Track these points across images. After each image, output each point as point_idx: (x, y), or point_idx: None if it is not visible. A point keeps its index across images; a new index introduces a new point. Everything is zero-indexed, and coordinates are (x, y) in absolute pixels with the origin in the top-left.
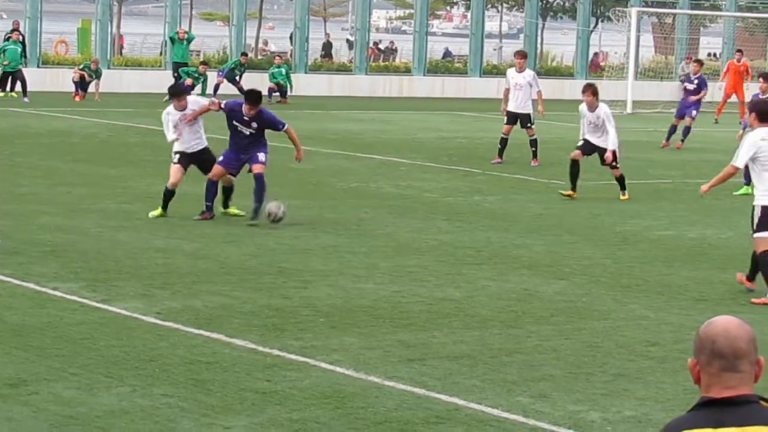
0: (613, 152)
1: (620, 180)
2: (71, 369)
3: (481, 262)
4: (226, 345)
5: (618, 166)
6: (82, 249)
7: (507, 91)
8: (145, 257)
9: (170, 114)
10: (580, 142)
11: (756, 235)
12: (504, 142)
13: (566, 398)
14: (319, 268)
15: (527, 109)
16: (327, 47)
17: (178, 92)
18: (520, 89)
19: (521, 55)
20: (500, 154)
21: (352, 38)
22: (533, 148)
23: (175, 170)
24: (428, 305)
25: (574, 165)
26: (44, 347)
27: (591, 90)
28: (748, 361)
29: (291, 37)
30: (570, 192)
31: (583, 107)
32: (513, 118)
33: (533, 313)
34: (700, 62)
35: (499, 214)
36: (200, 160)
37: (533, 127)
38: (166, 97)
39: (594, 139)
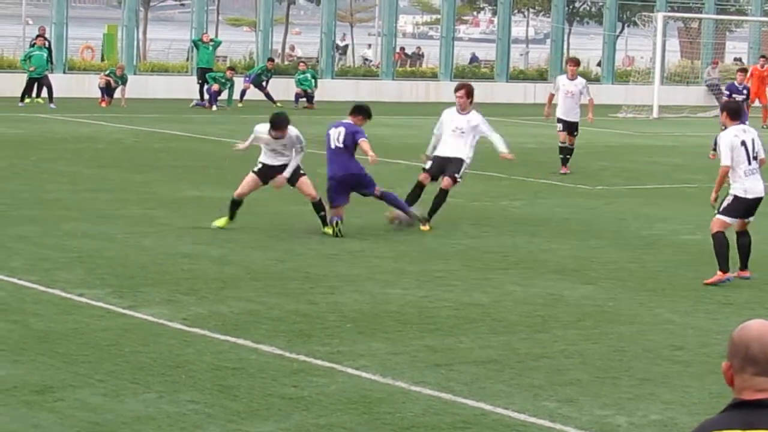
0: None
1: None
2: (97, 375)
3: (508, 266)
4: (252, 351)
5: (459, 180)
6: (108, 255)
7: (552, 96)
8: (171, 263)
9: (262, 135)
10: (428, 164)
11: (717, 216)
12: (564, 150)
13: (593, 402)
14: (345, 273)
15: (576, 117)
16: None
17: (278, 124)
18: (571, 97)
19: (574, 62)
20: (565, 163)
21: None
22: (568, 156)
23: (247, 180)
24: (455, 310)
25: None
26: (70, 354)
27: (466, 89)
28: None
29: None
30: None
31: (451, 112)
32: (566, 123)
33: (560, 318)
34: (744, 70)
35: (525, 218)
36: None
37: (577, 135)
38: (193, 103)
39: (449, 150)
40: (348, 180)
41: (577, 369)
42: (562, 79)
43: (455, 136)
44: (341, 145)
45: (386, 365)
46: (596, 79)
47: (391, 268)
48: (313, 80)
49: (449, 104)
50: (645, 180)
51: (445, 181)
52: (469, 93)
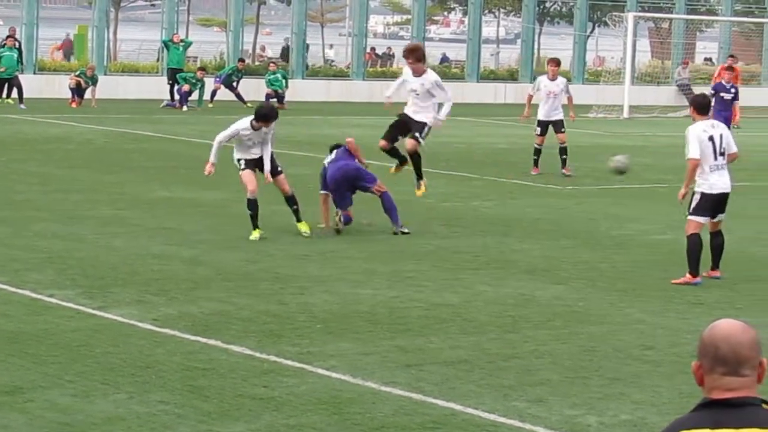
0: (423, 127)
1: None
2: (67, 376)
3: (479, 267)
4: (223, 351)
5: (420, 142)
6: (79, 256)
7: (531, 97)
8: (141, 264)
9: (245, 131)
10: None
11: (689, 217)
12: (539, 152)
13: (563, 402)
14: (316, 273)
15: (559, 115)
16: (285, 52)
17: (270, 116)
18: (554, 97)
19: (555, 62)
20: (537, 164)
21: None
22: (564, 156)
23: (248, 177)
24: (426, 310)
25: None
26: (40, 354)
27: (414, 55)
28: (751, 366)
29: (283, 50)
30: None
31: (407, 74)
32: (545, 126)
33: (530, 318)
34: (732, 68)
35: (496, 219)
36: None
37: (565, 131)
38: (163, 104)
39: (411, 111)
40: (344, 179)
41: (547, 369)
42: (543, 80)
43: (413, 98)
44: (334, 157)
45: (356, 365)
46: (567, 79)
47: (362, 268)
48: (283, 80)
49: None
50: (615, 180)
51: (408, 143)
52: (418, 58)
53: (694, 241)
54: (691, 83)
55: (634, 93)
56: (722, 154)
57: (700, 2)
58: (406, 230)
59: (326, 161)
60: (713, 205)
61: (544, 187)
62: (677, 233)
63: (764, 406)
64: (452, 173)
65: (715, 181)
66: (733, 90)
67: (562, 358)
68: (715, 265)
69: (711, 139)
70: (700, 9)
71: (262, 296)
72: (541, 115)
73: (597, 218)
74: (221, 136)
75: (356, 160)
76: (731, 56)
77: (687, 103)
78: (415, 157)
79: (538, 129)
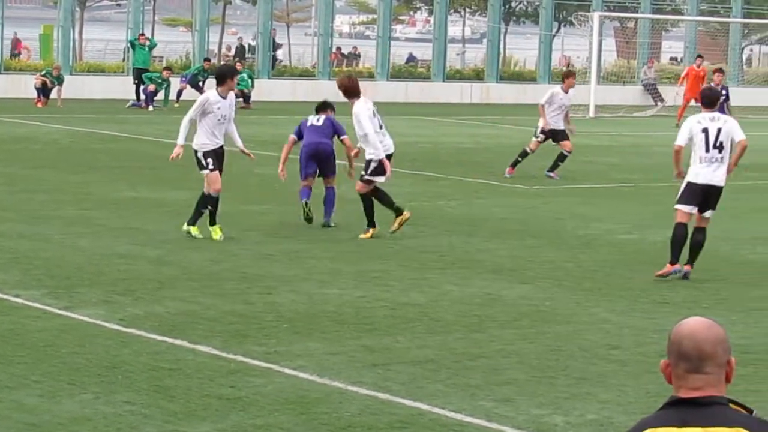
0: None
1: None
2: (33, 376)
3: (445, 266)
4: (189, 351)
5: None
6: (45, 256)
7: (543, 108)
8: (107, 264)
9: (214, 103)
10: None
11: (675, 206)
12: (525, 156)
13: (529, 402)
14: (282, 273)
15: (562, 124)
16: (241, 51)
17: (229, 74)
18: (564, 110)
19: (573, 75)
20: (515, 166)
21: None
22: (561, 162)
23: (215, 177)
24: (392, 310)
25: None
26: (6, 355)
27: (341, 90)
28: (715, 364)
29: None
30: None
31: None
32: (553, 133)
33: (497, 318)
34: (721, 70)
35: (462, 218)
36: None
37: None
38: (129, 104)
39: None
40: (317, 156)
41: (513, 368)
42: (559, 93)
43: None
44: (319, 125)
45: (323, 365)
46: (532, 79)
47: (328, 268)
48: (249, 80)
49: (386, 104)
50: (581, 179)
51: (357, 186)
52: (345, 91)
53: (678, 231)
54: (657, 83)
55: (600, 93)
56: (717, 147)
57: (666, 2)
58: (332, 224)
59: (310, 121)
60: (698, 196)
61: (511, 187)
62: (643, 233)
63: (731, 405)
64: (418, 173)
65: (702, 172)
66: (724, 92)
67: (528, 357)
68: (691, 261)
69: (705, 131)
70: (665, 8)
71: (228, 296)
72: (550, 125)
73: (563, 218)
74: (190, 113)
75: (346, 158)
76: (699, 56)
77: (652, 103)
78: (366, 199)
79: (542, 136)
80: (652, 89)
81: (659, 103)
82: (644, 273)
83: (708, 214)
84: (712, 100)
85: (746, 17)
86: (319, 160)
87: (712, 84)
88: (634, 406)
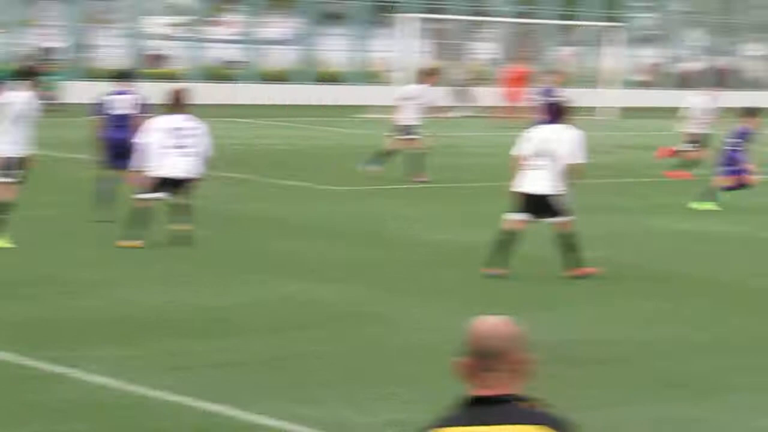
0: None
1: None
2: None
3: (256, 269)
4: None
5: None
6: None
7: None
8: None
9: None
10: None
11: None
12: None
13: (335, 404)
14: (86, 277)
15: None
16: (47, 53)
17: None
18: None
19: (432, 72)
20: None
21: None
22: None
23: (6, 188)
24: (196, 313)
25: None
26: None
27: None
28: (506, 361)
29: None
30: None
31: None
32: (407, 129)
33: (305, 319)
34: (561, 74)
35: (271, 219)
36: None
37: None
38: None
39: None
40: (123, 145)
41: (319, 370)
42: (417, 89)
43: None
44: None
45: (125, 370)
46: (343, 80)
47: (132, 272)
48: (56, 82)
49: (199, 106)
50: (397, 181)
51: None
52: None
53: (501, 234)
54: (468, 84)
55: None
56: (542, 155)
57: (478, 3)
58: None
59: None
60: (522, 204)
61: (324, 189)
62: (457, 234)
63: (518, 403)
64: (230, 175)
65: (525, 180)
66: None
67: (334, 359)
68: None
69: (533, 140)
70: (476, 10)
71: (26, 300)
72: (409, 120)
73: (374, 217)
74: None
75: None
76: (512, 58)
77: (463, 104)
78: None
79: (402, 133)
80: (462, 91)
81: (469, 104)
82: (455, 273)
83: (547, 220)
84: (552, 112)
85: (560, 20)
86: (125, 151)
87: (548, 86)
88: (438, 406)
